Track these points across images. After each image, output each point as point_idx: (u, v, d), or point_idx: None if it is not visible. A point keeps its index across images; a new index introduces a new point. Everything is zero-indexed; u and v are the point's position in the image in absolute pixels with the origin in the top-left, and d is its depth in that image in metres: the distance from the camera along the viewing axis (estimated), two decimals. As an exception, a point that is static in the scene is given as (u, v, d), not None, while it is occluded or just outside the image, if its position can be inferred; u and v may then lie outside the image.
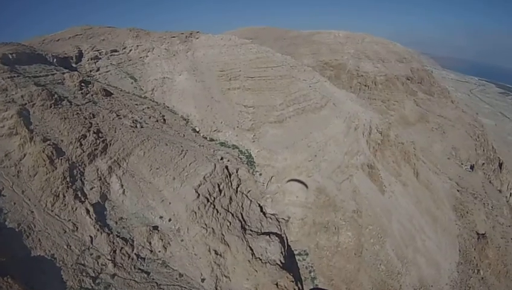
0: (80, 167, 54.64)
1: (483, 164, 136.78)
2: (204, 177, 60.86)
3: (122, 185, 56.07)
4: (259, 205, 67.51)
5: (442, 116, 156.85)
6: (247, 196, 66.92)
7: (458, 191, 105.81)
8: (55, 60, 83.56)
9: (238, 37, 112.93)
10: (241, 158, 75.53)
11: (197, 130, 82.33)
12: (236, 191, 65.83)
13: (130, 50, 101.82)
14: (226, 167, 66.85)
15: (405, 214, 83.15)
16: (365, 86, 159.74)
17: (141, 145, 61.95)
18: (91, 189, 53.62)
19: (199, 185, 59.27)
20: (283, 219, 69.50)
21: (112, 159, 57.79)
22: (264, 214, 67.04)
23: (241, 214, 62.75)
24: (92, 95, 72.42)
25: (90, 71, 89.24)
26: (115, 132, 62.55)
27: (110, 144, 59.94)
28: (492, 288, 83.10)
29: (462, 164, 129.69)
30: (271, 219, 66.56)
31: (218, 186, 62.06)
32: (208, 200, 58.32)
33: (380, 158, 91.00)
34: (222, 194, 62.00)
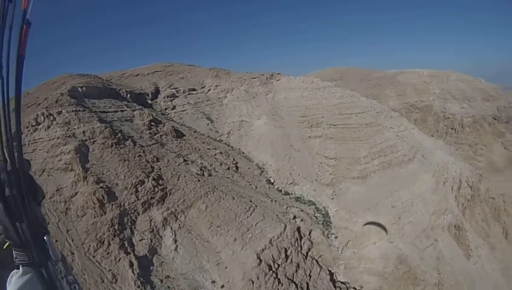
0: (131, 215, 47.45)
1: None
2: (270, 240, 50.36)
3: (175, 241, 47.45)
4: (329, 271, 55.36)
5: None
6: (317, 262, 55.04)
7: None
8: (129, 95, 78.43)
9: (321, 78, 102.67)
10: (316, 217, 63.78)
11: (272, 181, 71.86)
12: (306, 257, 54.24)
13: (209, 90, 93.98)
14: (298, 229, 55.75)
15: (490, 283, 68.54)
16: (452, 129, 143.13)
17: (204, 197, 52.88)
18: (140, 240, 45.92)
19: (263, 250, 48.93)
20: (354, 288, 56.83)
21: (168, 211, 49.52)
22: (334, 282, 54.88)
23: (307, 284, 51.33)
24: (160, 136, 65.17)
25: (166, 109, 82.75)
26: (178, 180, 54.20)
27: (170, 193, 51.77)
28: None
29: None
30: (341, 288, 54.35)
31: (285, 252, 51.12)
32: (270, 268, 47.85)
33: (468, 217, 76.76)
34: (288, 260, 50.98)
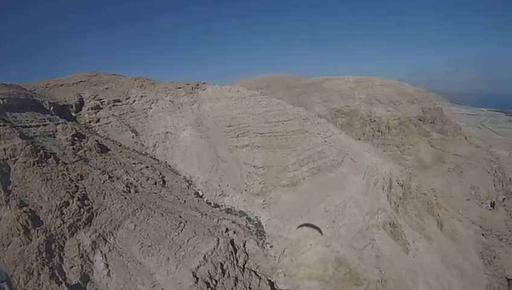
0: (59, 241, 43.76)
1: (504, 199, 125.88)
2: (204, 256, 48.57)
3: (107, 265, 44.34)
4: (269, 281, 54.26)
5: (458, 154, 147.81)
6: (255, 273, 53.88)
7: (483, 235, 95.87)
8: (52, 107, 74.81)
9: (247, 87, 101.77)
10: (249, 227, 62.79)
11: (201, 194, 70.30)
12: (243, 269, 52.89)
13: (134, 101, 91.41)
14: (232, 241, 54.44)
15: (431, 273, 70.99)
16: (378, 131, 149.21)
17: (132, 216, 50.43)
18: (71, 267, 42.29)
19: (198, 267, 47.01)
20: (297, 295, 56.27)
21: (96, 233, 46.38)
22: (275, 292, 54.15)
23: (248, 297, 50.03)
24: (84, 152, 62.30)
25: (90, 122, 79.68)
26: (104, 199, 51.46)
27: (97, 214, 48.74)
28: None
29: (482, 203, 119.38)
30: (283, 297, 53.74)
31: (221, 266, 49.43)
32: (208, 286, 45.95)
33: (402, 213, 78.93)
34: (226, 275, 49.37)
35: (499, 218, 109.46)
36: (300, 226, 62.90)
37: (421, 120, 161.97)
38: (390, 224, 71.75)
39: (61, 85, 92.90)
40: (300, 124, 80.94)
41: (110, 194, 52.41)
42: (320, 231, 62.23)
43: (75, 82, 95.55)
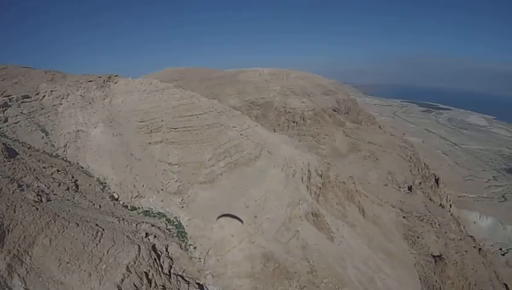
0: None
1: (420, 183, 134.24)
2: (127, 267, 44.32)
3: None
4: (198, 284, 51.72)
5: (373, 142, 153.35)
6: (182, 278, 50.73)
7: (404, 217, 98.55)
8: None
9: (162, 79, 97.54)
10: (169, 230, 59.25)
11: (116, 196, 64.86)
12: (170, 275, 49.47)
13: (44, 96, 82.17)
14: (153, 247, 50.79)
15: (359, 257, 72.46)
16: (293, 122, 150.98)
17: (46, 229, 44.79)
18: None
19: (122, 280, 42.69)
20: (229, 294, 54.37)
21: (11, 254, 39.70)
22: (207, 294, 51.84)
23: (180, 307, 47.28)
24: None
25: None
26: (14, 212, 45.08)
27: (8, 231, 42.23)
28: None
29: (400, 187, 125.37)
30: (215, 299, 51.57)
31: (147, 276, 45.52)
32: (135, 298, 42.39)
33: (323, 203, 79.07)
34: (152, 284, 45.61)
35: (417, 200, 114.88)
36: (219, 217, 61.26)
37: (335, 111, 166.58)
38: (312, 214, 71.60)
39: None
40: (216, 118, 78.75)
41: (21, 206, 46.64)
42: (241, 221, 61.01)
43: None
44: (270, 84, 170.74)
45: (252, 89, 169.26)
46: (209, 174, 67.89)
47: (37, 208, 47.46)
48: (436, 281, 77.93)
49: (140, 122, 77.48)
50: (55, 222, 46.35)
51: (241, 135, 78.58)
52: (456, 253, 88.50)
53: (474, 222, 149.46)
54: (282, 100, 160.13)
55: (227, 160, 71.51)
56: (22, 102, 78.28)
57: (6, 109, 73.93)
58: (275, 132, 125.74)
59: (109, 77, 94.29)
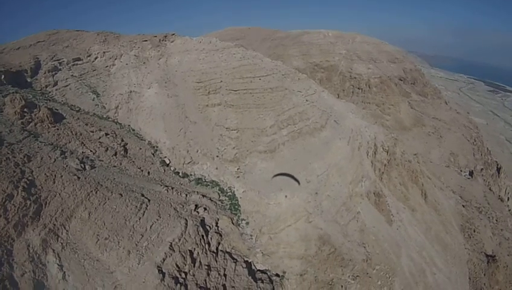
0: (6, 244, 35.07)
1: (482, 169, 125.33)
2: (171, 245, 40.87)
3: (61, 266, 36.37)
4: (246, 263, 47.59)
5: (437, 118, 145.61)
6: (230, 256, 46.96)
7: (464, 206, 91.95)
8: (3, 76, 63.26)
9: (222, 39, 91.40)
10: (222, 201, 55.08)
11: (167, 162, 61.24)
12: (217, 253, 45.76)
13: (96, 58, 79.41)
14: (202, 221, 47.00)
15: (414, 246, 67.34)
16: (358, 88, 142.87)
17: (86, 201, 41.66)
18: (22, 275, 34.12)
19: (164, 260, 39.55)
20: (277, 274, 49.88)
21: (46, 228, 37.53)
22: (254, 273, 47.79)
23: (224, 287, 43.42)
24: (35, 125, 52.04)
25: (46, 86, 68.47)
26: (54, 183, 42.00)
27: (46, 204, 39.47)
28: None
29: (461, 171, 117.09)
30: (262, 281, 47.07)
31: (191, 255, 42.09)
32: (176, 281, 39.00)
33: (386, 182, 73.72)
34: (197, 264, 42.15)
35: (477, 188, 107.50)
36: (275, 176, 57.45)
37: (401, 80, 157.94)
38: (374, 193, 66.69)
39: (18, 48, 79.89)
40: (280, 81, 72.04)
41: (61, 176, 43.42)
42: (298, 182, 56.87)
43: (33, 43, 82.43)
44: (336, 48, 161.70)
45: (316, 51, 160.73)
46: (270, 143, 62.23)
47: (79, 177, 43.98)
48: (484, 284, 73.39)
49: (198, 82, 72.36)
50: (96, 192, 42.80)
51: (306, 100, 71.98)
52: (508, 255, 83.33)
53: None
54: (347, 65, 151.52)
55: (290, 128, 65.34)
56: (73, 65, 75.72)
57: (56, 73, 71.51)
58: (339, 97, 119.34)
59: (165, 36, 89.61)
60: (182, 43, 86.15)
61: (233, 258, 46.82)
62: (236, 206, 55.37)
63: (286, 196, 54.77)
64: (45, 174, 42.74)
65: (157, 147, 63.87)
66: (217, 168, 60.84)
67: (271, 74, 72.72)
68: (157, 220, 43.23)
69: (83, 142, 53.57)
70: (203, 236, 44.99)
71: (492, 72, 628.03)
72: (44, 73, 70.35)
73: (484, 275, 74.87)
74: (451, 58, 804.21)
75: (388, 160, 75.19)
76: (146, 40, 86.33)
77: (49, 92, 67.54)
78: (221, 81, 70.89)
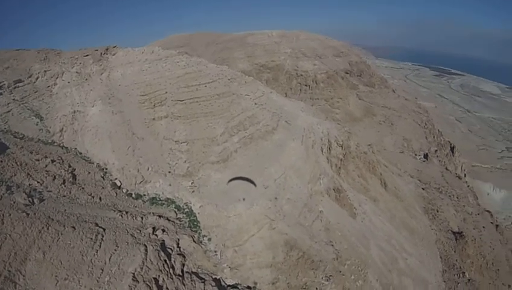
0: None
1: (436, 150, 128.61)
2: (133, 275, 37.30)
3: None
4: (215, 280, 44.73)
5: (387, 106, 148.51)
6: (198, 276, 43.79)
7: (423, 189, 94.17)
8: None
9: (165, 48, 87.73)
10: (180, 219, 51.76)
11: (118, 184, 57.04)
12: (183, 276, 42.50)
13: (37, 78, 73.82)
14: (162, 244, 43.64)
15: (382, 236, 67.26)
16: (306, 85, 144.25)
17: (38, 240, 37.79)
18: None
19: None
20: (248, 287, 47.56)
21: (1, 276, 33.60)
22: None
23: (194, 307, 40.40)
24: None
25: None
26: (2, 223, 38.07)
27: None
28: (479, 286, 72.63)
29: (415, 154, 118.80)
30: (234, 295, 44.65)
31: (156, 282, 38.54)
32: (146, 312, 35.57)
33: (344, 176, 72.85)
34: (164, 291, 38.76)
35: (434, 169, 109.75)
36: (230, 181, 55.55)
37: (347, 73, 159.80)
38: (334, 189, 65.25)
39: None
40: (226, 86, 69.61)
41: (10, 215, 39.37)
42: (254, 184, 55.10)
43: None
44: (280, 47, 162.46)
45: (261, 52, 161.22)
46: (222, 152, 59.50)
47: (28, 214, 40.20)
48: (456, 260, 74.74)
49: (142, 96, 68.64)
50: (48, 228, 39.17)
51: (255, 104, 69.67)
52: (474, 229, 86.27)
53: (488, 194, 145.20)
54: (293, 63, 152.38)
55: (241, 134, 62.83)
56: (15, 87, 70.39)
57: None
58: (286, 96, 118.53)
59: (107, 49, 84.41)
60: (124, 55, 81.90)
61: (200, 278, 43.86)
62: (196, 223, 52.24)
63: (244, 200, 53.00)
64: None
65: (106, 169, 59.78)
66: (170, 185, 57.36)
67: (217, 79, 70.25)
68: (116, 250, 39.83)
69: (29, 173, 49.45)
70: (165, 260, 41.68)
71: (440, 59, 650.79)
72: None
73: (454, 251, 76.40)
74: (396, 47, 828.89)
75: (344, 154, 74.39)
76: (87, 55, 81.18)
77: None
78: (166, 92, 67.63)
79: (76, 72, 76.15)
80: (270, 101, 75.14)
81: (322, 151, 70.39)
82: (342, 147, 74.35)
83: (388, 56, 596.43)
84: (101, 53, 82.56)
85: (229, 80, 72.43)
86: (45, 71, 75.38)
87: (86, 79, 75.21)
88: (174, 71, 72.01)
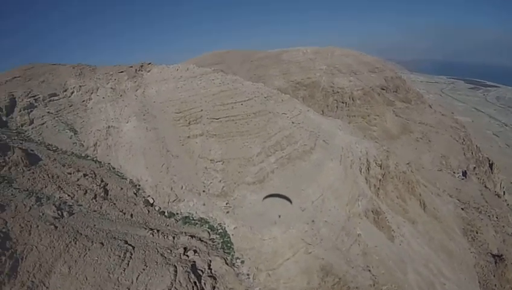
0: None
1: (475, 168, 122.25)
2: None
3: None
4: (245, 304, 42.59)
5: (424, 123, 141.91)
6: (228, 300, 41.69)
7: (463, 209, 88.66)
8: None
9: (199, 65, 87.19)
10: (213, 240, 50.12)
11: (151, 201, 55.98)
12: (212, 299, 40.42)
13: (72, 92, 74.92)
14: (193, 265, 41.92)
15: (420, 260, 63.40)
16: (342, 102, 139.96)
17: (65, 254, 36.89)
18: None
19: None
20: (280, 313, 45.11)
21: (24, 286, 32.70)
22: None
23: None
24: (9, 169, 47.70)
25: (22, 125, 64.53)
26: (30, 234, 37.50)
27: (22, 259, 34.81)
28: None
29: (454, 172, 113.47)
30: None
31: None
32: (169, 338, 33.97)
33: (383, 197, 69.92)
34: (191, 315, 36.91)
35: (473, 188, 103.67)
36: (266, 197, 53.69)
37: (384, 89, 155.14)
38: (372, 211, 62.73)
39: None
40: (263, 104, 68.28)
41: (37, 226, 38.82)
42: (290, 201, 53.20)
43: (8, 79, 78.67)
44: (315, 63, 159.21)
45: (297, 69, 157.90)
46: (258, 172, 57.92)
47: (56, 227, 39.34)
48: (495, 285, 70.52)
49: (177, 113, 68.09)
50: (76, 243, 38.10)
51: (292, 123, 68.05)
52: None
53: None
54: (329, 79, 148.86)
55: (278, 154, 61.24)
56: (49, 101, 71.45)
57: (31, 110, 67.31)
58: (323, 113, 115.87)
59: (141, 66, 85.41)
60: (159, 72, 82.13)
61: (231, 303, 41.85)
62: (229, 245, 50.48)
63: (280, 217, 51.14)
64: (20, 225, 38.38)
65: (139, 185, 58.97)
66: (204, 204, 55.98)
67: (253, 97, 69.03)
68: (144, 270, 38.40)
69: (60, 186, 48.94)
70: (195, 283, 39.78)
71: (473, 70, 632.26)
72: (20, 111, 66.54)
73: (494, 276, 72.23)
74: (429, 60, 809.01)
75: (382, 174, 71.52)
76: (122, 72, 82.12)
77: (25, 131, 63.66)
78: (202, 110, 66.81)
79: (111, 88, 76.62)
80: (308, 119, 73.17)
81: (361, 171, 68.11)
82: (380, 166, 71.58)
83: (419, 69, 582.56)
84: (136, 70, 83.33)
85: (265, 98, 71.09)
86: (80, 86, 76.16)
87: (121, 95, 75.57)
88: (210, 89, 71.32)
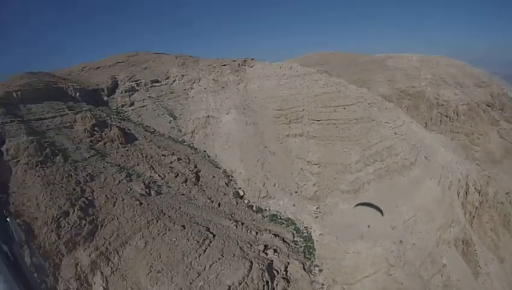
0: (55, 258, 34.00)
1: None
2: (229, 288, 36.25)
3: None
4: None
5: None
6: (295, 308, 41.22)
7: None
8: (77, 94, 64.54)
9: (303, 65, 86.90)
10: (296, 242, 49.83)
11: (241, 194, 57.04)
12: (280, 302, 40.20)
13: (174, 81, 79.53)
14: (270, 264, 41.86)
15: None
16: (446, 116, 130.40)
17: (144, 229, 39.23)
18: None
19: None
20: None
21: (98, 251, 35.82)
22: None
23: None
24: (104, 144, 51.77)
25: (123, 106, 69.64)
26: (114, 206, 40.46)
27: (101, 226, 38.17)
28: None
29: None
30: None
31: None
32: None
33: (476, 227, 64.73)
34: (254, 313, 36.98)
35: None
36: (358, 205, 51.96)
37: (489, 106, 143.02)
38: (463, 241, 58.18)
39: (98, 68, 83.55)
40: (366, 110, 65.76)
41: (123, 200, 41.32)
42: (382, 213, 51.22)
43: (112, 63, 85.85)
44: (421, 72, 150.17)
45: (402, 77, 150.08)
46: (354, 181, 56.17)
47: (141, 203, 41.56)
48: None
49: (278, 110, 68.27)
50: (157, 221, 40.05)
51: (395, 133, 65.09)
52: None
53: None
54: (434, 90, 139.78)
55: (377, 165, 58.89)
56: (151, 86, 76.22)
57: (133, 94, 71.87)
58: (426, 127, 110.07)
59: (244, 61, 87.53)
60: (262, 68, 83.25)
61: (299, 311, 41.29)
62: (311, 250, 49.90)
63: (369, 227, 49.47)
64: (106, 195, 41.37)
65: (232, 176, 60.31)
66: (294, 205, 55.80)
67: (356, 102, 66.82)
68: (219, 259, 39.29)
69: (152, 166, 51.39)
70: (267, 282, 39.72)
71: None
72: (121, 93, 71.47)
73: None
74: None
75: (480, 202, 66.31)
76: (225, 65, 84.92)
77: (125, 112, 68.13)
78: (303, 109, 66.25)
79: (213, 80, 78.86)
80: (410, 131, 69.66)
81: (458, 195, 63.61)
82: (479, 193, 66.61)
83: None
84: (239, 64, 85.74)
85: (368, 104, 68.68)
86: (182, 75, 79.51)
87: (223, 87, 77.72)
88: (313, 89, 70.29)
